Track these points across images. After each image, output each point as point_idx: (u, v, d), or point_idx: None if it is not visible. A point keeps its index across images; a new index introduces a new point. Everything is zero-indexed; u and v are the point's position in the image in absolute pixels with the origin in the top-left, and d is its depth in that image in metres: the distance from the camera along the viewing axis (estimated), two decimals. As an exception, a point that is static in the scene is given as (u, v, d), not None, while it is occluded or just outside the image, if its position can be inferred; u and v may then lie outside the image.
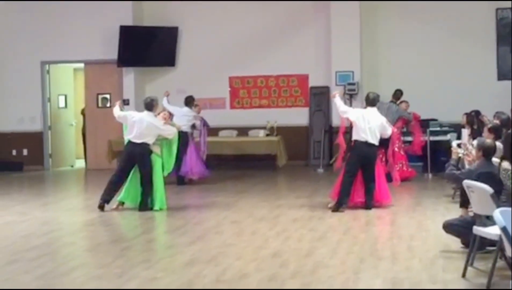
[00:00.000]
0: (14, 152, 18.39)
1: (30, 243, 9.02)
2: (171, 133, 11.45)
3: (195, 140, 14.75)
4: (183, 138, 13.94)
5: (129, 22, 17.77)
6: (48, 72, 18.45)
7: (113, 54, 17.57)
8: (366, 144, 10.81)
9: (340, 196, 10.80)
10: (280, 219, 10.27)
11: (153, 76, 18.41)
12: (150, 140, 11.29)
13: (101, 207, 11.20)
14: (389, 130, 11.07)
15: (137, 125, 11.28)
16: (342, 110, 11.14)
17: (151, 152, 11.28)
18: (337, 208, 10.70)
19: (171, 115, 12.76)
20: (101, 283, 6.92)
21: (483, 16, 16.82)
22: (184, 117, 14.26)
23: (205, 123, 14.92)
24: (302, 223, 9.96)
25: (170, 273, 7.21)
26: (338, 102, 11.23)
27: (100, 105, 18.25)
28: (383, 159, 12.42)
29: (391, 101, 15.01)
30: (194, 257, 7.88)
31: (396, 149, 13.85)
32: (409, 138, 15.26)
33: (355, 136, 10.99)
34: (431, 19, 17.06)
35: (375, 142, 10.85)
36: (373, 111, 11.05)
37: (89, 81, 18.37)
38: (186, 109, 14.60)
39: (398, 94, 15.32)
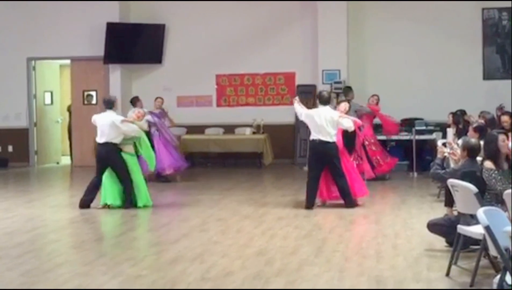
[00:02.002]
0: (-1, 149, 18.33)
1: (15, 240, 8.98)
2: (134, 131, 11.25)
3: (160, 136, 14.45)
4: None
5: (115, 19, 17.72)
6: (34, 68, 18.38)
7: (100, 51, 17.53)
8: (320, 142, 10.84)
9: (307, 195, 10.91)
10: (265, 217, 10.28)
11: (140, 73, 18.38)
12: (115, 139, 11.14)
13: (82, 208, 11.15)
14: (346, 124, 10.99)
15: (99, 125, 11.23)
16: (298, 112, 11.27)
17: (119, 150, 11.18)
18: (308, 206, 10.79)
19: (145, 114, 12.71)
20: (85, 280, 6.91)
21: (469, 16, 16.89)
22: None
23: (157, 115, 14.66)
24: (287, 221, 9.97)
25: (155, 271, 7.20)
26: (295, 106, 11.29)
27: (85, 102, 18.19)
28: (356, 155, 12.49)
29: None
30: (179, 255, 7.87)
31: (366, 143, 13.93)
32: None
33: (310, 136, 11.05)
34: (417, 19, 17.10)
35: (329, 139, 10.81)
36: (325, 109, 11.04)
37: (75, 78, 18.31)
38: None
39: (347, 91, 15.14)
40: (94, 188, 11.32)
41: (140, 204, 11.15)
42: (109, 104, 11.42)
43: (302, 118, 11.23)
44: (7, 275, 7.18)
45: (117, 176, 11.19)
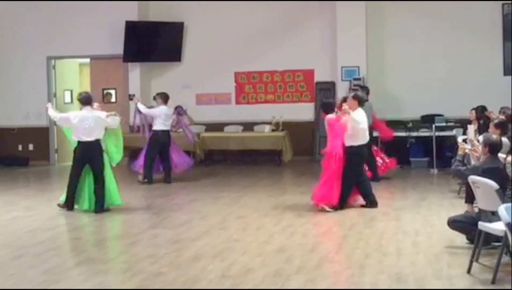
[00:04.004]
0: (20, 147, 18.46)
1: (36, 238, 9.04)
2: (116, 123, 11.12)
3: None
4: (167, 136, 14.04)
5: (134, 17, 17.79)
6: (54, 67, 18.50)
7: (119, 49, 17.59)
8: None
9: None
10: (285, 214, 10.27)
11: (159, 72, 18.43)
12: (100, 134, 10.96)
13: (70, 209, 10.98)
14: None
15: (84, 123, 10.84)
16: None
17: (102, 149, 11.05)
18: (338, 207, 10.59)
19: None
20: (106, 278, 6.94)
21: (489, 11, 16.76)
22: (167, 116, 14.19)
23: (179, 112, 14.72)
24: (307, 218, 9.96)
25: (176, 269, 7.21)
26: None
27: (105, 100, 18.28)
28: None
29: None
30: (199, 252, 7.89)
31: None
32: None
33: (357, 142, 10.72)
34: (437, 15, 17.01)
35: None
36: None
37: (94, 76, 18.40)
38: (164, 107, 14.28)
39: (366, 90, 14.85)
40: (75, 192, 11.00)
41: (109, 204, 10.96)
42: (89, 100, 11.08)
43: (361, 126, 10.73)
44: (28, 273, 7.22)
45: (94, 175, 10.90)
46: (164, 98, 14.38)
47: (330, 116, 10.74)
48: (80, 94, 11.37)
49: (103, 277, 6.98)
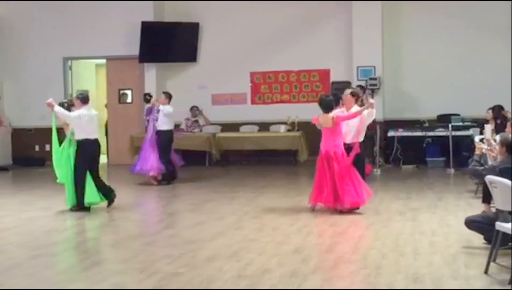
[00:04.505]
0: (36, 148, 18.56)
1: (53, 238, 9.08)
2: None
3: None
4: (171, 136, 14.01)
5: (150, 18, 17.83)
6: (70, 68, 18.59)
7: (135, 50, 17.64)
8: None
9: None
10: (301, 214, 10.26)
11: (175, 72, 18.47)
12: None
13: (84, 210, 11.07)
14: None
15: (92, 121, 11.04)
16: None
17: None
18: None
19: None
20: (123, 278, 6.95)
21: (505, 11, 16.64)
22: (172, 114, 14.08)
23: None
24: (323, 218, 9.95)
25: (192, 269, 7.22)
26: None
27: (121, 101, 18.34)
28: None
29: None
30: (215, 253, 7.89)
31: None
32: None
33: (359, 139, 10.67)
34: (452, 14, 16.95)
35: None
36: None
37: (111, 77, 18.47)
38: (169, 106, 14.09)
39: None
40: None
41: (93, 201, 11.04)
42: (87, 99, 11.12)
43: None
44: (45, 273, 7.25)
45: (94, 171, 11.05)
46: (170, 97, 14.30)
47: (338, 112, 10.62)
48: (81, 93, 11.37)
49: (120, 277, 7.00)
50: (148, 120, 14.16)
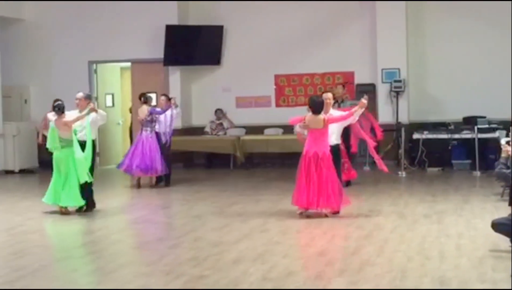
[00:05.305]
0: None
1: (79, 241, 9.15)
2: None
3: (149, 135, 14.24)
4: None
5: (174, 21, 17.89)
6: (95, 71, 18.71)
7: (159, 53, 17.71)
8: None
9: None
10: (326, 217, 10.22)
11: (199, 75, 18.52)
12: None
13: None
14: None
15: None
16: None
17: None
18: None
19: None
20: (149, 280, 6.98)
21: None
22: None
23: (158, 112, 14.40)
24: (348, 221, 9.92)
25: (218, 271, 7.23)
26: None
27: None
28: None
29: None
30: (240, 255, 7.90)
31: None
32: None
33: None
34: (478, 15, 16.83)
35: None
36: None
37: (135, 80, 18.55)
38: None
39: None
40: None
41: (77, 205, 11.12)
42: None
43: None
44: (72, 275, 7.31)
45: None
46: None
47: (336, 113, 10.80)
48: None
49: (146, 279, 7.03)
50: (149, 121, 14.15)
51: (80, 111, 11.31)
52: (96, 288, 6.79)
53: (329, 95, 11.16)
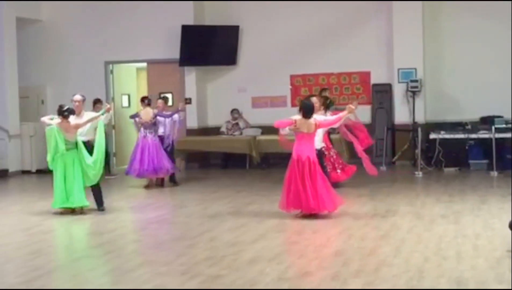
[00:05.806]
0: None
1: (95, 241, 9.18)
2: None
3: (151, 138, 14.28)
4: None
5: (190, 21, 17.92)
6: (111, 72, 18.77)
7: (175, 54, 17.75)
8: None
9: None
10: (342, 217, 10.21)
11: (215, 75, 18.54)
12: None
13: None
14: None
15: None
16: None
17: None
18: None
19: None
20: (165, 280, 7.00)
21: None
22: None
23: (164, 115, 14.49)
24: (365, 221, 9.90)
25: (234, 271, 7.23)
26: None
27: (162, 104, 18.45)
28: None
29: None
30: (257, 255, 7.90)
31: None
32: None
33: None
34: (495, 15, 16.74)
35: None
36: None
37: (151, 81, 18.60)
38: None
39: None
40: None
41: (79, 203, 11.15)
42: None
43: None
44: (89, 274, 7.34)
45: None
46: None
47: (320, 117, 10.92)
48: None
49: (163, 278, 7.04)
50: (152, 124, 14.21)
51: (78, 115, 11.56)
52: (113, 288, 6.81)
53: (315, 99, 11.38)
